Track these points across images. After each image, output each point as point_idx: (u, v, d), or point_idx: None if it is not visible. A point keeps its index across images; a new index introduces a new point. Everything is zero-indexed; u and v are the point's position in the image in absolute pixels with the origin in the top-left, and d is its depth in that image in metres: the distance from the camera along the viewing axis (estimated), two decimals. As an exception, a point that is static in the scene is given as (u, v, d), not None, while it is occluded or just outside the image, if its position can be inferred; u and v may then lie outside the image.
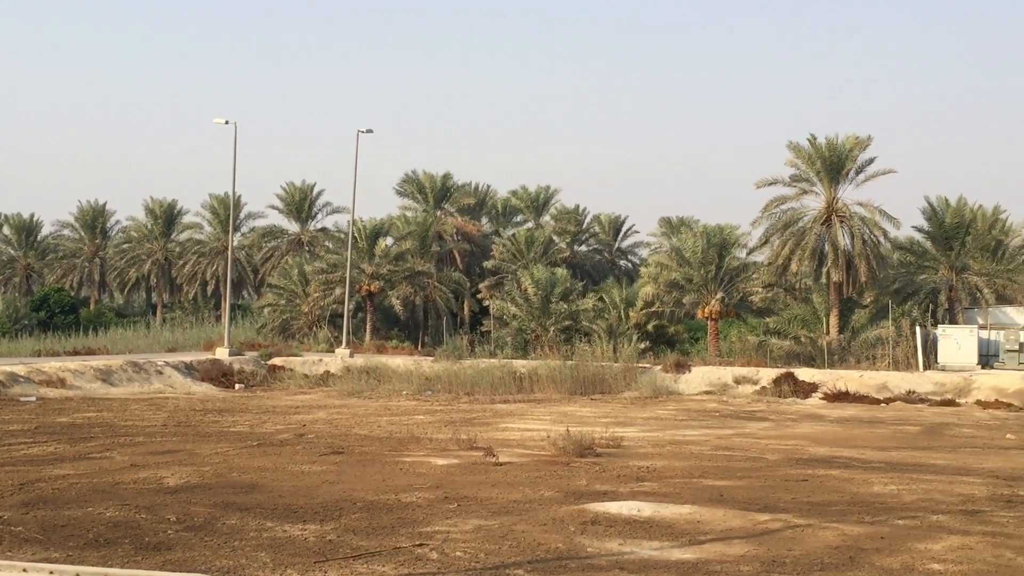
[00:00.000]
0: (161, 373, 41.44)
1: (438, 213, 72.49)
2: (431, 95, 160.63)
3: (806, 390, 40.68)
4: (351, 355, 48.35)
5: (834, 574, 11.34)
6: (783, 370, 43.03)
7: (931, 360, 46.87)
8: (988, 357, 47.92)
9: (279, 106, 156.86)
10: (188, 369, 42.87)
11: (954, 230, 55.94)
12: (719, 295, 52.99)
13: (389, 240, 64.82)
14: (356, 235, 59.31)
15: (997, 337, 48.60)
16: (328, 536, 13.08)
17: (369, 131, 53.06)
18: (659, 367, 44.32)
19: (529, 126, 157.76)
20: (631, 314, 57.79)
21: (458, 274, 67.67)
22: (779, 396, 40.01)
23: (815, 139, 52.89)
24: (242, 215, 75.77)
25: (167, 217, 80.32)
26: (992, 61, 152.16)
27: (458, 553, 12.16)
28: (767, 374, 42.56)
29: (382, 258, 60.98)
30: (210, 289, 75.22)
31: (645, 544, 12.79)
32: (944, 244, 56.20)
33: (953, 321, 52.70)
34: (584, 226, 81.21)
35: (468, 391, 39.61)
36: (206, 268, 74.83)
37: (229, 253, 54.90)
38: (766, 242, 54.27)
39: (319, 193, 74.96)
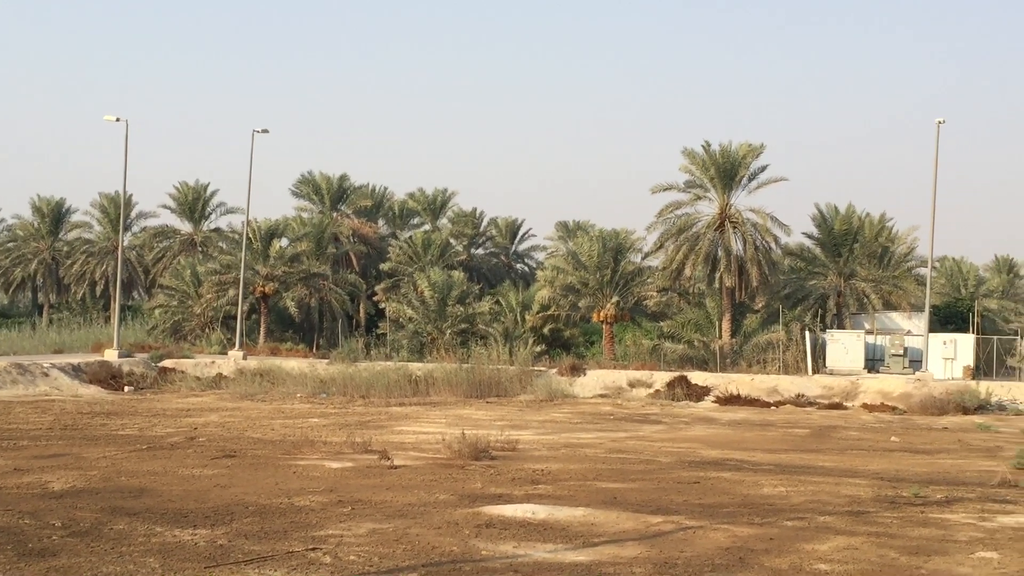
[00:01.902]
0: (47, 375, 40.45)
1: (334, 215, 71.96)
2: (328, 96, 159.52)
3: (699, 393, 41.22)
4: (244, 357, 47.72)
5: (724, 575, 11.49)
6: (677, 373, 43.55)
7: (820, 364, 47.84)
8: (874, 361, 49.09)
9: (173, 105, 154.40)
10: (76, 371, 41.90)
11: (843, 237, 57.18)
12: (614, 299, 53.42)
13: (284, 241, 64.12)
14: (251, 236, 58.56)
15: (883, 342, 49.80)
16: (219, 541, 12.88)
17: (265, 131, 52.45)
18: (555, 370, 44.53)
19: (427, 129, 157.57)
20: (527, 317, 58.00)
21: (354, 276, 67.21)
22: (673, 399, 40.48)
23: (709, 146, 53.66)
24: (133, 214, 74.33)
25: (55, 216, 78.35)
26: (878, 72, 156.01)
27: (352, 557, 12.06)
28: (661, 377, 43.03)
29: (277, 259, 60.30)
30: (99, 289, 73.60)
31: (539, 547, 12.82)
32: (833, 251, 57.42)
33: (841, 326, 53.88)
34: (481, 229, 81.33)
35: (363, 394, 39.37)
36: (95, 268, 73.20)
37: (120, 253, 53.80)
38: (661, 247, 54.87)
39: (213, 193, 73.91)
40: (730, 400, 40.15)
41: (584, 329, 59.97)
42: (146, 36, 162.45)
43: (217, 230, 73.19)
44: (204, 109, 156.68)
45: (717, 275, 53.01)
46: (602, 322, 54.31)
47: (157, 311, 62.70)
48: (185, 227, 74.03)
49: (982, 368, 48.55)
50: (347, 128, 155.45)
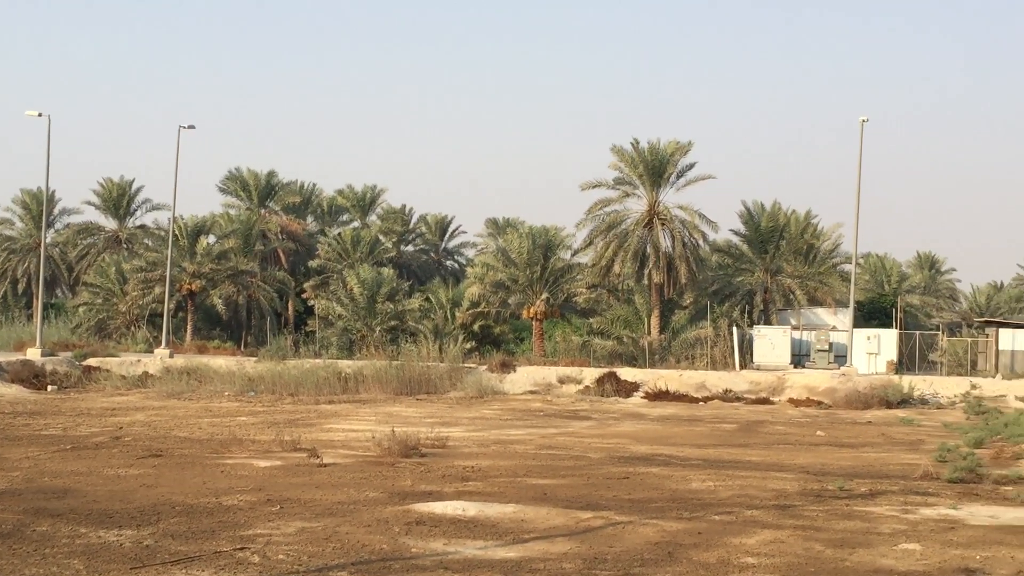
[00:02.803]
0: (-33, 375, 39.67)
1: (262, 211, 71.38)
2: (256, 92, 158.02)
3: (628, 389, 41.47)
4: (171, 355, 47.20)
5: (653, 570, 11.57)
6: (606, 370, 43.79)
7: (747, 360, 48.40)
8: (800, 357, 49.77)
9: (98, 101, 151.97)
10: (-3, 370, 41.14)
11: (769, 234, 57.87)
12: (544, 296, 53.60)
13: (212, 238, 63.55)
14: (177, 233, 57.92)
15: (809, 337, 50.51)
16: (145, 541, 12.72)
17: (191, 127, 51.96)
18: (485, 367, 44.56)
19: (356, 126, 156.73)
20: (457, 314, 58.00)
21: (283, 273, 66.75)
22: (602, 395, 40.70)
23: (638, 143, 54.02)
24: (56, 211, 72.98)
25: (-27, 212, 76.82)
26: (803, 70, 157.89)
27: (280, 556, 11.97)
28: (590, 374, 43.24)
29: (204, 256, 59.71)
30: (21, 287, 72.21)
31: (469, 543, 12.82)
32: (760, 247, 58.08)
33: (768, 322, 54.54)
34: (411, 226, 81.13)
35: (292, 392, 39.10)
36: (17, 265, 71.82)
37: (42, 250, 52.87)
38: (590, 244, 55.16)
39: (139, 189, 72.82)
40: (659, 396, 40.44)
41: (514, 326, 60.10)
42: (69, 31, 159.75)
43: (143, 227, 72.19)
44: (130, 105, 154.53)
45: (646, 272, 53.41)
46: (532, 319, 54.46)
47: (81, 309, 61.80)
48: (110, 224, 72.89)
49: (905, 363, 49.43)
50: (276, 125, 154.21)
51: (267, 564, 11.60)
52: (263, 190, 71.89)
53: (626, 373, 43.39)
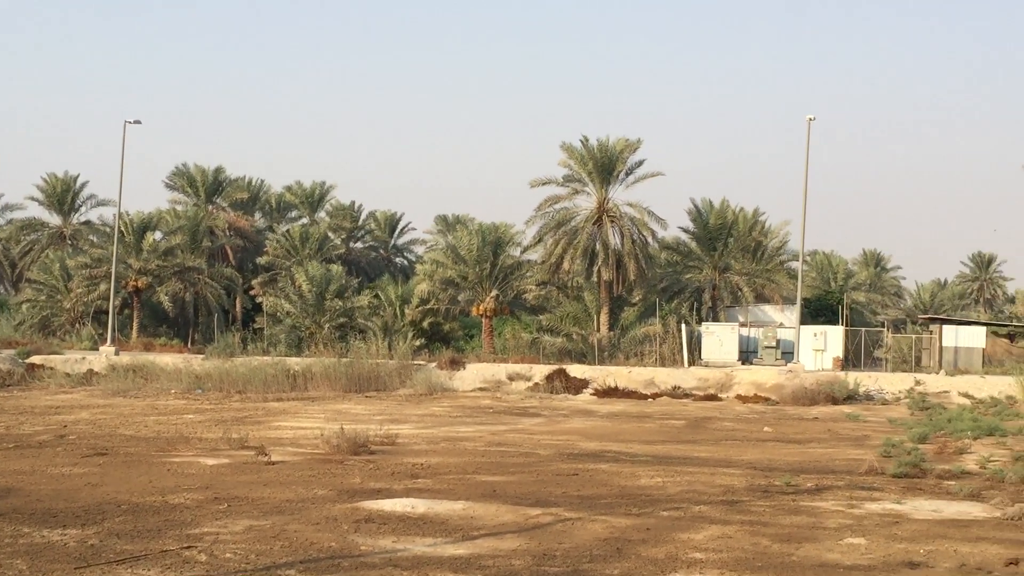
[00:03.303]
0: (-92, 373, 39.03)
1: (210, 207, 70.81)
2: (204, 87, 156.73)
3: (577, 386, 41.56)
4: (117, 353, 46.72)
5: (602, 566, 11.60)
6: (555, 366, 43.86)
7: (695, 356, 48.67)
8: (748, 353, 50.15)
9: (43, 95, 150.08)
10: (-62, 368, 40.53)
11: (717, 231, 58.24)
12: (494, 293, 53.60)
13: (158, 234, 62.96)
14: (123, 229, 57.33)
15: (756, 334, 50.89)
16: (90, 541, 12.56)
17: (137, 122, 51.43)
18: (434, 364, 44.48)
19: (305, 122, 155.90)
20: (407, 311, 57.87)
21: (230, 270, 66.27)
22: (551, 392, 40.77)
23: (587, 141, 54.15)
24: (-1, 206, 72.10)
25: (-87, 208, 75.66)
26: (752, 68, 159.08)
27: (228, 555, 11.87)
28: (540, 370, 43.29)
29: (150, 253, 59.15)
30: (-37, 284, 71.32)
31: (419, 541, 12.79)
32: (708, 245, 58.44)
33: (716, 319, 54.90)
34: (360, 223, 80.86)
35: (240, 389, 38.84)
36: (-42, 262, 70.91)
37: (-16, 246, 52.21)
38: (540, 241, 55.23)
39: (83, 185, 72.06)
40: (608, 392, 40.58)
41: (464, 323, 60.07)
42: (14, 25, 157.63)
43: (88, 223, 71.40)
44: (76, 100, 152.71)
45: (595, 269, 53.55)
46: (481, 316, 54.46)
47: (24, 306, 61.00)
48: (54, 220, 72.04)
49: (851, 359, 49.95)
50: (224, 121, 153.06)
51: (214, 563, 11.51)
52: (210, 186, 71.31)
53: (575, 370, 43.48)
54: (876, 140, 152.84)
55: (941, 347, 49.20)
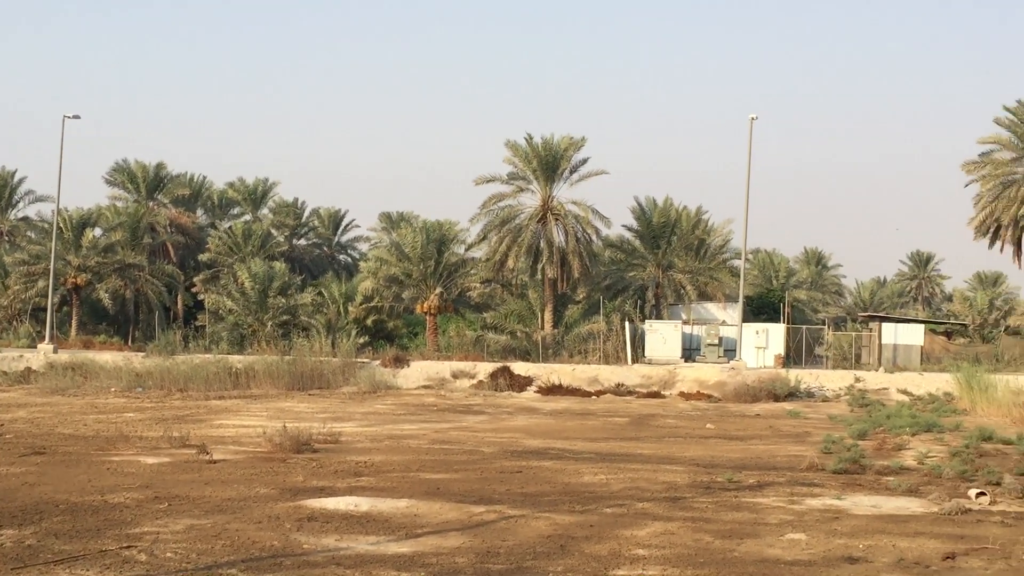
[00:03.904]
0: None
1: (151, 204, 69.96)
2: (145, 82, 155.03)
3: (522, 383, 41.63)
4: (55, 351, 46.12)
5: (545, 563, 11.62)
6: (500, 364, 43.91)
7: (639, 354, 48.86)
8: (691, 351, 50.42)
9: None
10: None
11: (661, 229, 58.49)
12: (438, 290, 53.49)
13: (98, 231, 62.14)
14: (62, 225, 56.57)
15: (699, 332, 51.18)
16: (27, 541, 12.39)
17: (76, 117, 50.76)
18: (378, 362, 44.36)
19: (247, 119, 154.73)
20: (351, 309, 57.58)
21: (172, 267, 65.60)
22: (496, 390, 40.80)
23: (532, 138, 54.13)
24: (-67, 202, 70.78)
25: None
26: (695, 68, 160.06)
27: (168, 554, 11.76)
28: (484, 368, 43.30)
29: (90, 249, 58.40)
30: None
31: (362, 539, 12.75)
32: (652, 243, 58.67)
33: (659, 316, 55.14)
34: (303, 220, 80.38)
35: (181, 387, 38.50)
36: None
37: (-81, 242, 51.30)
38: (484, 238, 55.16)
39: (21, 180, 70.88)
40: (552, 390, 40.67)
41: (408, 320, 59.89)
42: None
43: (26, 219, 70.27)
44: (12, 95, 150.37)
45: (539, 266, 53.59)
46: (426, 313, 54.32)
47: (-40, 304, 59.97)
48: (-9, 216, 70.90)
49: (792, 357, 50.39)
50: (164, 117, 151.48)
51: (154, 562, 11.39)
52: (151, 182, 70.46)
53: (520, 367, 43.55)
54: (818, 140, 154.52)
55: (880, 345, 49.78)
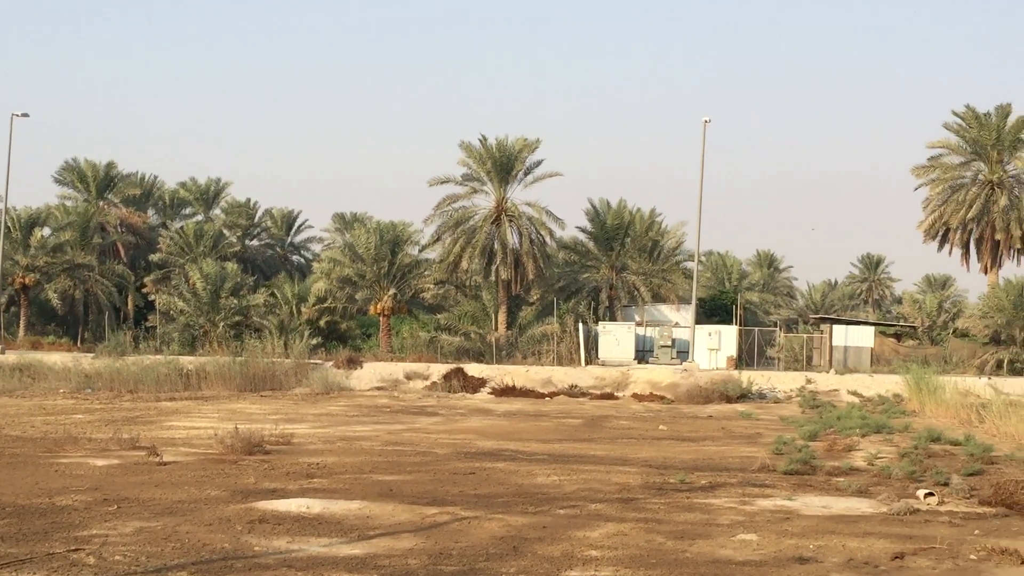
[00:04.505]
0: None
1: (101, 203, 69.29)
2: (96, 81, 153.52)
3: (475, 385, 41.61)
4: (2, 351, 45.63)
5: (498, 564, 11.60)
6: (453, 365, 43.87)
7: (593, 355, 49.01)
8: (644, 352, 50.64)
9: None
10: None
11: (615, 231, 58.68)
12: (392, 291, 53.37)
13: (47, 231, 61.49)
14: (9, 225, 55.93)
15: (652, 333, 51.41)
16: (-27, 544, 12.21)
17: (25, 115, 50.23)
18: (331, 363, 44.19)
19: (199, 118, 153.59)
20: (303, 310, 57.32)
21: (122, 267, 65.02)
22: (449, 391, 40.75)
23: (486, 140, 54.18)
24: None
25: None
26: (649, 69, 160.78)
27: (117, 557, 11.63)
28: (438, 369, 43.25)
29: (38, 249, 57.77)
30: None
31: (314, 541, 12.67)
32: (605, 244, 58.85)
33: (613, 318, 55.32)
34: (256, 220, 79.90)
35: (131, 389, 38.15)
36: None
37: None
38: (438, 239, 55.13)
39: (-33, 179, 69.93)
40: (506, 391, 40.68)
41: (361, 322, 59.71)
42: None
43: (-28, 219, 69.38)
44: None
45: (493, 268, 53.62)
46: (379, 314, 54.19)
47: (-94, 303, 59.13)
48: (-63, 215, 69.87)
49: (744, 358, 50.73)
50: (116, 116, 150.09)
51: (103, 565, 11.27)
52: (102, 181, 69.80)
53: (473, 369, 43.52)
54: (771, 143, 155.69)
55: (831, 346, 50.23)
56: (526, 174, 54.60)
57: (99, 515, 14.05)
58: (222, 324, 52.30)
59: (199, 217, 76.84)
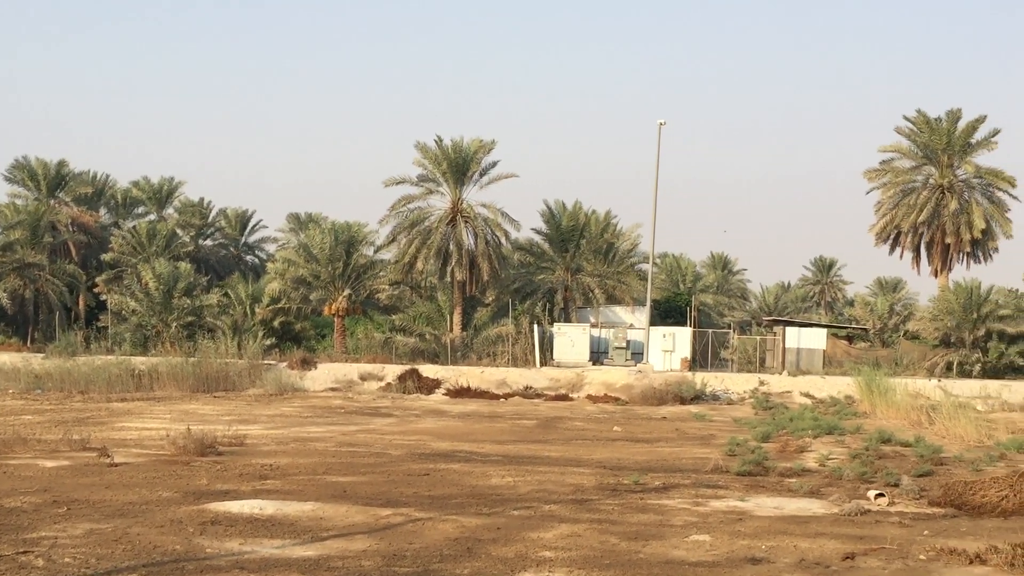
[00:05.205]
0: None
1: (52, 202, 68.49)
2: (47, 79, 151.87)
3: (430, 386, 41.56)
4: (-49, 351, 44.97)
5: (452, 565, 11.60)
6: (408, 366, 43.79)
7: (548, 357, 49.06)
8: (599, 354, 50.76)
9: None
10: None
11: (570, 233, 58.77)
12: (346, 292, 53.16)
13: (-4, 229, 60.71)
14: (-42, 223, 55.14)
15: (607, 335, 51.55)
16: (-82, 547, 12.05)
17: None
18: (285, 364, 44.00)
19: (153, 117, 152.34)
20: (257, 310, 56.94)
21: (73, 267, 64.31)
22: (404, 392, 40.68)
23: (441, 140, 54.10)
24: None
25: None
26: (603, 72, 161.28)
27: (67, 559, 11.52)
28: (392, 370, 43.16)
29: (-12, 248, 57.04)
30: None
31: (267, 543, 12.61)
32: (561, 246, 58.93)
33: (568, 320, 55.39)
34: (210, 220, 79.25)
35: (82, 389, 37.79)
36: None
37: None
38: (393, 240, 54.97)
39: (-85, 177, 68.92)
40: (460, 392, 40.65)
41: (315, 322, 59.42)
42: None
43: (-80, 216, 68.34)
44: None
45: (449, 269, 53.54)
46: (334, 315, 53.96)
47: None
48: None
49: (698, 360, 50.95)
50: (68, 114, 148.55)
51: (52, 568, 11.15)
52: (53, 180, 68.98)
53: (428, 370, 43.46)
54: (726, 146, 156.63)
55: (784, 348, 50.58)
56: (482, 175, 54.60)
57: (49, 517, 13.91)
58: (175, 324, 51.85)
59: (152, 216, 76.10)
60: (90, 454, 19.97)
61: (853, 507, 15.27)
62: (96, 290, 63.50)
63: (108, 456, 19.54)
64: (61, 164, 69.74)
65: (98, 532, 12.99)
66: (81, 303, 65.78)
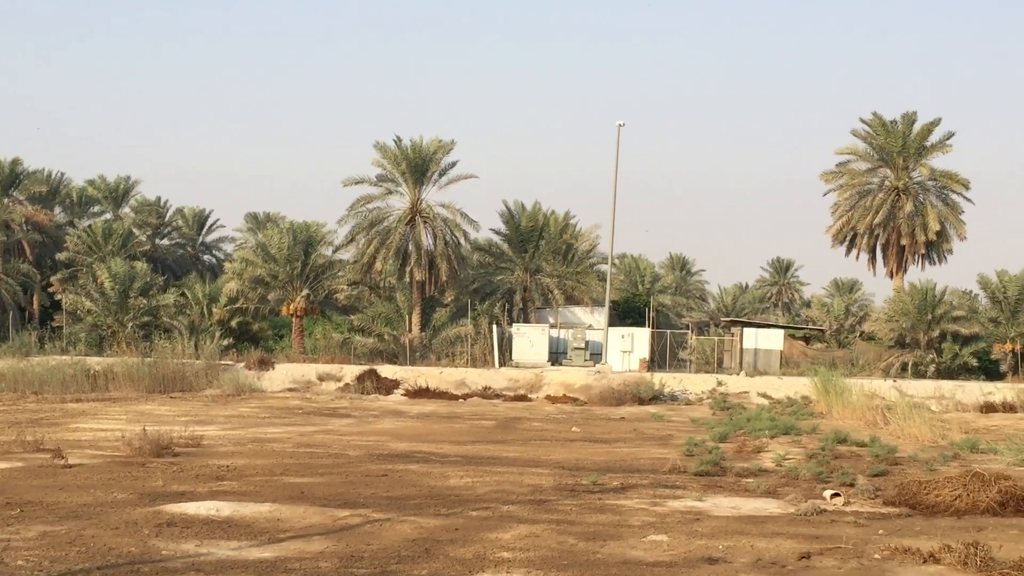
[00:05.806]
0: None
1: (6, 201, 67.76)
2: (3, 77, 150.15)
3: (389, 386, 41.47)
4: (-98, 352, 44.39)
5: (410, 566, 11.57)
6: (366, 367, 43.67)
7: (507, 357, 49.09)
8: (558, 354, 50.86)
9: None
10: None
11: (529, 234, 58.87)
12: (305, 292, 52.96)
13: (-51, 228, 60.00)
14: (-90, 221, 54.43)
15: (566, 335, 51.65)
16: None
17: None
18: (242, 364, 43.75)
19: (108, 116, 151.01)
20: (215, 310, 56.63)
21: (27, 266, 63.70)
22: (362, 393, 40.56)
23: (400, 141, 54.05)
24: None
25: None
26: (564, 73, 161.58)
27: (20, 562, 11.39)
28: (351, 371, 43.02)
29: (-60, 247, 56.34)
30: None
31: (223, 544, 12.52)
32: (520, 247, 59.01)
33: (527, 320, 55.49)
34: (167, 219, 78.69)
35: (36, 390, 37.38)
36: None
37: None
38: (352, 240, 54.88)
39: None
40: (419, 393, 40.59)
41: (273, 322, 59.16)
42: None
43: None
44: None
45: (408, 269, 53.50)
46: (292, 315, 53.76)
47: None
48: None
49: (657, 360, 51.17)
50: (21, 111, 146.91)
51: (5, 570, 11.02)
52: (6, 178, 68.23)
53: (387, 370, 43.36)
54: (684, 147, 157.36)
55: (742, 349, 50.88)
56: (441, 175, 54.61)
57: (1, 519, 13.75)
58: (131, 324, 51.47)
59: (108, 216, 75.46)
60: (44, 455, 19.76)
61: (809, 507, 15.37)
62: (51, 290, 62.91)
63: (62, 457, 19.33)
64: (15, 162, 68.99)
65: (52, 534, 12.85)
66: (35, 303, 65.14)
